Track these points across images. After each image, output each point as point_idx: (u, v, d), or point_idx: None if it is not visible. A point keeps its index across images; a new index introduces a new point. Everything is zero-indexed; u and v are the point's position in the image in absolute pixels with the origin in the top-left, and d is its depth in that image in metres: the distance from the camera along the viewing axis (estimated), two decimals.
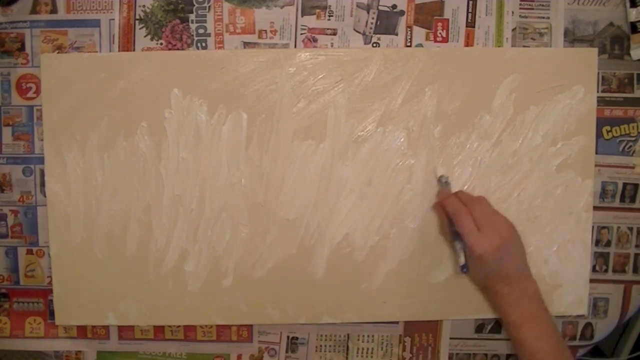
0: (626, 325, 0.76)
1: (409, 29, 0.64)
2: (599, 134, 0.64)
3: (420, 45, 0.64)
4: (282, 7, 0.63)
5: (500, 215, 0.57)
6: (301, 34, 0.64)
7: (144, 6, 0.63)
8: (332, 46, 0.64)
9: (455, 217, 0.55)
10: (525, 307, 0.54)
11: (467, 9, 0.64)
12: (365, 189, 0.63)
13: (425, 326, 0.67)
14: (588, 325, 0.67)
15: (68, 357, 0.67)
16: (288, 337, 0.67)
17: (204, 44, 0.64)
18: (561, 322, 0.67)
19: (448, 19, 0.64)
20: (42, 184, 0.65)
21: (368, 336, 0.67)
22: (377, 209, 0.63)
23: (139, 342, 0.67)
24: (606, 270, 0.66)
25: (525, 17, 0.64)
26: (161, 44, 0.64)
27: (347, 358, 0.68)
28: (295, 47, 0.64)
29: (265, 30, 0.64)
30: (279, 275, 0.63)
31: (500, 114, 0.62)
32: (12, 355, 0.67)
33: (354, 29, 0.64)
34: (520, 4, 0.64)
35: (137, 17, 0.64)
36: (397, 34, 0.64)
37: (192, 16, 0.63)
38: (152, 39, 0.64)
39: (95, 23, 0.64)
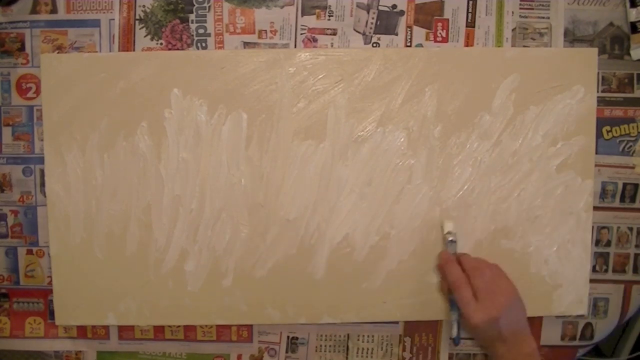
0: (626, 325, 0.76)
1: (409, 29, 0.64)
2: (599, 134, 0.64)
3: (420, 45, 0.64)
4: (282, 7, 0.63)
5: (502, 280, 0.57)
6: (301, 34, 0.64)
7: (144, 6, 0.63)
8: (332, 46, 0.64)
9: (454, 287, 0.56)
10: None
11: (467, 9, 0.64)
12: (365, 189, 0.63)
13: (425, 326, 0.67)
14: (588, 325, 0.67)
15: (68, 357, 0.67)
16: (288, 337, 0.67)
17: (204, 44, 0.64)
18: (561, 322, 0.67)
19: (448, 19, 0.64)
20: (42, 184, 0.65)
21: (368, 336, 0.67)
22: (377, 209, 0.63)
23: (139, 342, 0.67)
24: (606, 270, 0.67)
25: (525, 17, 0.64)
26: (161, 44, 0.64)
27: (347, 358, 0.68)
28: (295, 47, 0.64)
29: (265, 30, 0.64)
30: (279, 275, 0.63)
31: (500, 114, 0.62)
32: (12, 355, 0.67)
33: (354, 29, 0.64)
34: (520, 4, 0.64)
35: (137, 17, 0.64)
36: (397, 34, 0.64)
37: (192, 16, 0.63)
38: (152, 39, 0.64)
39: (95, 23, 0.64)
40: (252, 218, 0.63)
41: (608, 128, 0.65)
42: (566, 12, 0.64)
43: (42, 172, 0.64)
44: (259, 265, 0.63)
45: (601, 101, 0.64)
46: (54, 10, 0.64)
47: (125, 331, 0.67)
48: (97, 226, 0.63)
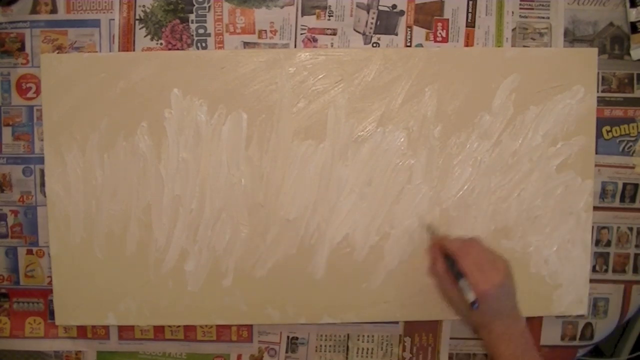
0: (626, 325, 0.76)
1: (409, 29, 0.64)
2: (599, 134, 0.64)
3: (420, 45, 0.64)
4: (282, 7, 0.63)
5: (495, 252, 0.57)
6: (301, 34, 0.64)
7: (144, 6, 0.63)
8: (332, 46, 0.64)
9: (458, 256, 0.56)
10: (518, 344, 0.54)
11: (467, 9, 0.64)
12: (365, 189, 0.63)
13: (425, 326, 0.67)
14: (588, 325, 0.67)
15: (68, 357, 0.67)
16: (288, 337, 0.67)
17: (204, 44, 0.64)
18: (561, 322, 0.67)
19: (448, 19, 0.64)
20: (42, 184, 0.65)
21: (368, 336, 0.67)
22: (377, 209, 0.63)
23: (139, 342, 0.67)
24: (606, 270, 0.67)
25: (525, 17, 0.64)
26: (161, 44, 0.64)
27: (347, 358, 0.68)
28: (295, 47, 0.64)
29: (265, 30, 0.64)
30: (279, 275, 0.63)
31: (500, 114, 0.62)
32: (12, 355, 0.67)
33: (354, 29, 0.64)
34: (520, 4, 0.64)
35: (137, 17, 0.64)
36: (397, 34, 0.64)
37: (192, 16, 0.63)
38: (152, 39, 0.64)
39: (95, 23, 0.64)
40: (252, 218, 0.63)
41: (608, 128, 0.65)
42: (566, 12, 0.64)
43: (42, 172, 0.64)
44: (259, 265, 0.63)
45: (601, 101, 0.64)
46: (54, 10, 0.64)
47: (125, 331, 0.67)
48: (97, 226, 0.63)
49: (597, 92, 0.63)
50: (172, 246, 0.63)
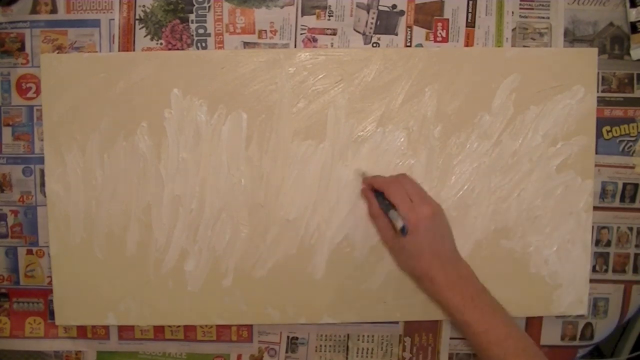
0: (626, 325, 0.76)
1: (409, 29, 0.64)
2: (599, 134, 0.64)
3: (420, 45, 0.64)
4: (282, 7, 0.63)
5: (425, 192, 0.57)
6: (301, 34, 0.64)
7: (144, 6, 0.63)
8: (332, 46, 0.64)
9: (388, 188, 0.56)
10: (464, 289, 0.52)
11: (467, 9, 0.64)
12: None
13: (425, 326, 0.67)
14: (588, 325, 0.67)
15: (68, 357, 0.67)
16: (288, 337, 0.67)
17: (204, 44, 0.64)
18: (561, 322, 0.67)
19: (448, 19, 0.64)
20: (42, 184, 0.65)
21: (368, 336, 0.67)
22: None
23: (139, 342, 0.67)
24: (606, 270, 0.66)
25: (525, 17, 0.64)
26: (161, 44, 0.64)
27: (347, 358, 0.68)
28: (295, 47, 0.64)
29: (265, 30, 0.64)
30: (279, 275, 0.63)
31: (500, 114, 0.62)
32: (12, 355, 0.67)
33: (354, 29, 0.64)
34: (520, 4, 0.64)
35: (137, 17, 0.64)
36: (397, 34, 0.64)
37: (192, 16, 0.63)
38: (152, 39, 0.64)
39: (95, 23, 0.64)
40: (252, 218, 0.63)
41: (608, 128, 0.65)
42: (566, 12, 0.64)
43: (42, 172, 0.64)
44: (259, 265, 0.63)
45: (601, 101, 0.64)
46: (54, 10, 0.64)
47: (125, 331, 0.67)
48: (97, 226, 0.63)
49: (597, 92, 0.63)
50: (172, 246, 0.63)
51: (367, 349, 0.68)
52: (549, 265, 0.64)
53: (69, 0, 0.63)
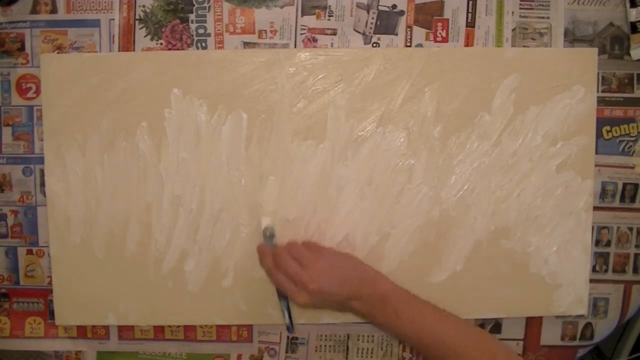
0: (626, 325, 0.76)
1: (409, 29, 0.64)
2: (599, 134, 0.64)
3: (420, 45, 0.64)
4: (282, 7, 0.63)
5: (321, 250, 0.58)
6: (301, 34, 0.64)
7: (144, 6, 0.63)
8: (332, 46, 0.64)
9: (270, 276, 0.57)
10: (384, 309, 0.54)
11: (467, 9, 0.64)
12: (365, 189, 0.63)
13: None
14: (588, 325, 0.67)
15: (68, 357, 0.67)
16: (288, 337, 0.67)
17: (204, 44, 0.64)
18: (561, 322, 0.67)
19: (448, 19, 0.64)
20: (42, 184, 0.64)
21: (368, 336, 0.67)
22: (377, 209, 0.63)
23: (139, 342, 0.67)
24: (606, 270, 0.66)
25: (525, 17, 0.64)
26: (161, 44, 0.64)
27: (347, 358, 0.68)
28: (295, 47, 0.64)
29: (265, 30, 0.64)
30: None
31: (500, 114, 0.62)
32: (12, 355, 0.67)
33: (354, 29, 0.64)
34: (520, 4, 0.64)
35: (137, 17, 0.64)
36: (397, 34, 0.64)
37: (192, 16, 0.63)
38: (152, 39, 0.64)
39: (95, 23, 0.64)
40: (252, 218, 0.63)
41: (608, 128, 0.65)
42: (566, 12, 0.64)
43: (42, 172, 0.64)
44: (259, 265, 0.63)
45: (601, 101, 0.64)
46: (54, 10, 0.64)
47: (125, 331, 0.67)
48: (97, 226, 0.63)
49: (597, 92, 0.63)
50: (172, 246, 0.63)
51: (367, 349, 0.68)
52: (548, 266, 0.64)
53: (69, 0, 0.63)
